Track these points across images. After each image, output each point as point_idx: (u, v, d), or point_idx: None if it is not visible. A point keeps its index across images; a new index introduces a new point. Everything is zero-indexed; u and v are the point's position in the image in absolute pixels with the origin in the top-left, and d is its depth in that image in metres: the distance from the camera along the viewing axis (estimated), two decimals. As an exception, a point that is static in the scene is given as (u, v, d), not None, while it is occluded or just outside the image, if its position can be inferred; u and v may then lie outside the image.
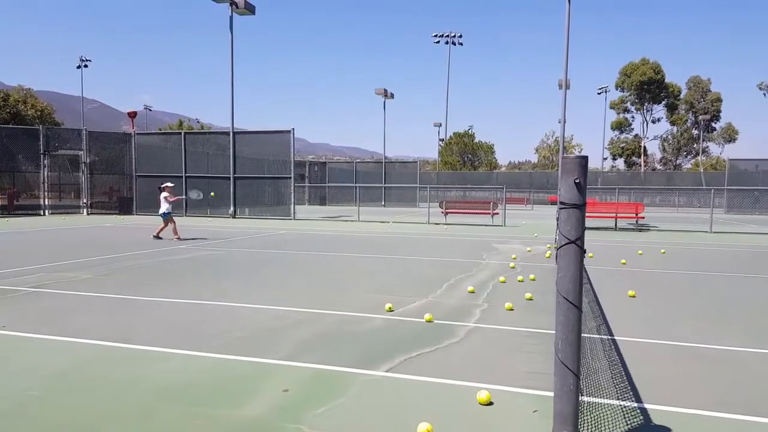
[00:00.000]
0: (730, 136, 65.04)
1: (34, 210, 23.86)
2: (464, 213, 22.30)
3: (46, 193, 24.25)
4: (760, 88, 61.04)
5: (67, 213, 24.13)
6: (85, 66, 61.71)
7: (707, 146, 66.14)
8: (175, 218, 13.92)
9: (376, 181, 41.30)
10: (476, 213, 21.70)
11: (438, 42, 63.70)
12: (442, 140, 64.23)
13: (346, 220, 22.39)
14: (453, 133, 63.79)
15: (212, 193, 17.66)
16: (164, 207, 13.47)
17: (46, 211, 23.96)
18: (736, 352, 4.66)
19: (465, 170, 58.63)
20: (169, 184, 14.09)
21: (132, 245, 12.19)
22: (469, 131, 63.21)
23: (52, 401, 3.47)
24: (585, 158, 2.77)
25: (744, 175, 32.78)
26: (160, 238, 13.26)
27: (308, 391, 3.65)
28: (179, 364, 4.22)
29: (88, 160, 24.31)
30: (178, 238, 13.30)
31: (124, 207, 24.81)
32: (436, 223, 20.22)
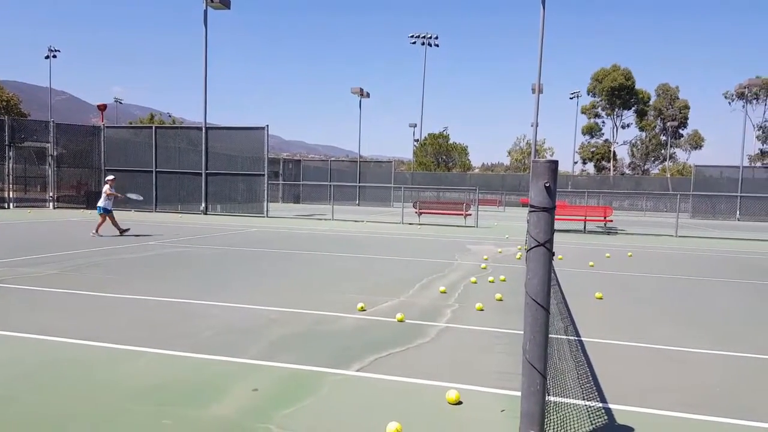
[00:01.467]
0: (696, 142, 66.99)
1: (-3, 203, 23.13)
2: (438, 213, 22.44)
3: (10, 186, 23.52)
4: (726, 97, 62.97)
5: (33, 207, 23.46)
6: (54, 57, 59.96)
7: (674, 152, 67.99)
8: (146, 213, 13.67)
9: (350, 180, 41.26)
10: (449, 214, 21.87)
11: (414, 43, 63.81)
12: (417, 141, 64.50)
13: (320, 219, 22.30)
14: (428, 134, 64.18)
15: (141, 197, 16.65)
16: (103, 202, 13.07)
17: (11, 205, 23.25)
18: (699, 354, 4.80)
19: (439, 171, 59.03)
20: (110, 177, 13.62)
21: (99, 241, 11.91)
22: (444, 132, 63.68)
23: (18, 401, 3.38)
24: (555, 162, 2.83)
25: (709, 181, 33.77)
26: (101, 235, 12.63)
27: (278, 391, 3.64)
28: (148, 363, 4.15)
29: (55, 153, 23.67)
30: (96, 233, 12.77)
31: (92, 201, 24.18)
32: (410, 223, 20.31)
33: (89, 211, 22.37)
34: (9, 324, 5.04)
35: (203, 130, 23.08)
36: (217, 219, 20.57)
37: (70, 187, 24.65)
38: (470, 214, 20.82)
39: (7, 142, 23.15)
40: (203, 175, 23.00)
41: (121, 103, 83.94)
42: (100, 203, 13.09)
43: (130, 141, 25.06)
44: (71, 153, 24.21)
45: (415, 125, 64.40)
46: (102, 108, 31.41)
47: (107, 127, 25.62)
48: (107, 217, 13.07)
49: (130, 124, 51.27)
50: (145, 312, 5.73)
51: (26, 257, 9.18)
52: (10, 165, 23.36)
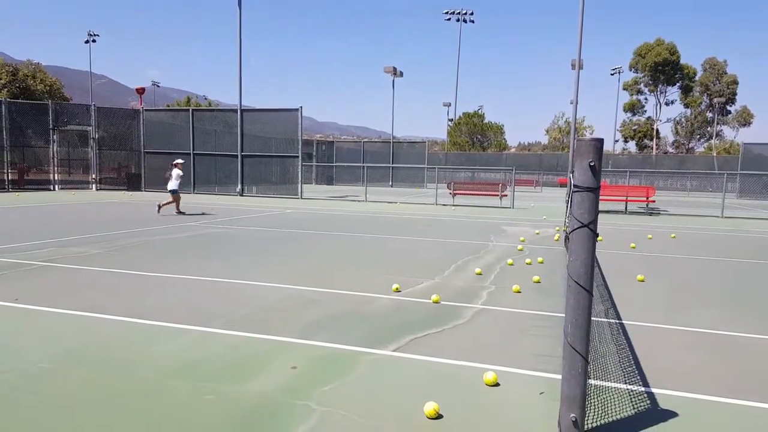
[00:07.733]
0: (745, 119, 63.99)
1: (43, 185, 24.00)
2: (472, 194, 22.21)
3: (55, 169, 24.38)
4: (777, 71, 59.78)
5: (77, 188, 24.26)
6: (93, 41, 61.51)
7: (721, 129, 65.20)
8: (182, 194, 14.19)
9: (383, 161, 41.14)
10: (485, 194, 21.60)
11: (449, 19, 62.71)
12: (451, 120, 63.73)
13: (354, 200, 22.37)
14: (462, 113, 63.29)
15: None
16: (174, 184, 13.85)
17: (56, 187, 24.11)
18: (745, 338, 4.63)
19: (474, 151, 58.28)
20: (180, 161, 14.48)
21: (141, 222, 12.25)
22: (479, 111, 62.68)
23: (64, 375, 3.52)
24: (600, 141, 2.72)
25: (758, 160, 32.28)
26: (163, 215, 13.46)
27: (316, 369, 3.68)
28: (189, 340, 4.25)
29: (96, 136, 24.35)
30: (180, 212, 13.80)
31: (132, 183, 24.89)
32: (444, 205, 20.17)
33: (130, 193, 23.03)
34: (55, 301, 5.23)
35: (239, 112, 23.31)
36: (252, 200, 20.87)
37: (112, 169, 25.36)
38: (506, 195, 20.52)
39: (51, 126, 23.93)
40: (239, 157, 23.30)
41: (158, 86, 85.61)
42: (172, 186, 13.86)
43: (168, 124, 25.53)
44: (112, 136, 24.84)
45: (450, 104, 63.68)
46: (140, 91, 32.05)
47: (146, 110, 26.15)
48: (175, 198, 13.94)
49: (168, 107, 52.23)
50: (185, 291, 5.87)
51: (73, 237, 9.51)
52: (55, 148, 24.17)
